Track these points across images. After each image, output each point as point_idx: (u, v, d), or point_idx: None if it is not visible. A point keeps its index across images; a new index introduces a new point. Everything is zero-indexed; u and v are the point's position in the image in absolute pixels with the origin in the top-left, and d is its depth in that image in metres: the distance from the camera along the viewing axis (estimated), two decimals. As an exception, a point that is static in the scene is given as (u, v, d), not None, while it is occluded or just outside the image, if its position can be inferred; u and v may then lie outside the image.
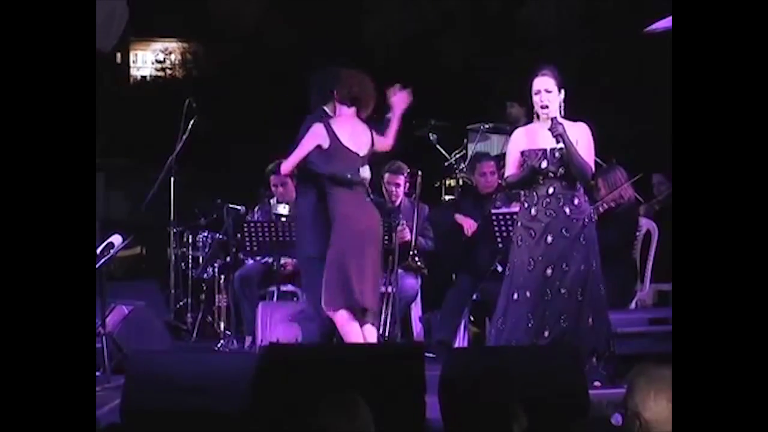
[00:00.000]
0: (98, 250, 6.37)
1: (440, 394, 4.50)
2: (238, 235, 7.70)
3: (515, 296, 5.74)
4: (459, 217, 7.64)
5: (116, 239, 6.44)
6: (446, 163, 9.09)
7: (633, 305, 7.16)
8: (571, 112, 5.85)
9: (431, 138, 9.01)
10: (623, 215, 7.15)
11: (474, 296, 7.38)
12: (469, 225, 7.54)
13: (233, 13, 12.36)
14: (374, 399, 3.21)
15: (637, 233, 7.35)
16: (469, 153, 9.05)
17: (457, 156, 9.12)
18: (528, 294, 5.71)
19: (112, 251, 6.41)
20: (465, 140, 9.35)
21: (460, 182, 8.92)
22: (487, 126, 9.19)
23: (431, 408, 4.51)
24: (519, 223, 5.88)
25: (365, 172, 6.30)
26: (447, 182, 9.14)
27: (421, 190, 7.60)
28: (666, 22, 6.90)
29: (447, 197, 9.01)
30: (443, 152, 9.08)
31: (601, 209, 7.00)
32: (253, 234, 7.34)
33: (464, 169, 8.77)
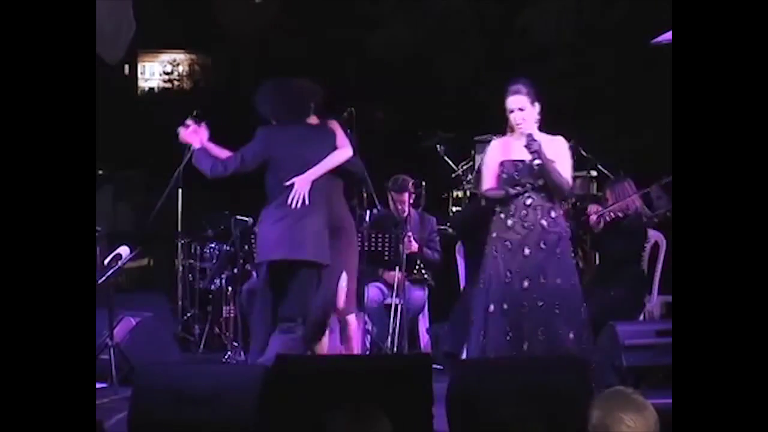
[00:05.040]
0: (106, 262, 6.38)
1: (448, 406, 4.49)
2: (246, 247, 7.70)
3: (491, 309, 5.68)
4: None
5: (124, 251, 6.45)
6: (453, 175, 9.09)
7: (641, 317, 7.14)
8: (573, 123, 5.84)
9: (438, 149, 9.01)
10: (630, 226, 7.14)
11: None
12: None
13: (239, 25, 12.38)
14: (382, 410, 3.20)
15: (646, 244, 7.34)
16: (477, 164, 9.05)
17: (465, 167, 9.11)
18: (505, 306, 5.66)
19: (119, 263, 6.42)
20: (472, 151, 9.35)
21: (467, 194, 8.91)
22: (494, 137, 9.17)
23: (439, 420, 4.51)
24: (494, 234, 5.80)
25: None
26: (454, 194, 9.13)
27: (426, 202, 7.60)
28: (670, 35, 6.90)
29: (454, 208, 9.00)
30: (450, 164, 9.08)
31: (607, 218, 7.00)
32: (261, 245, 7.31)
33: (471, 181, 8.77)
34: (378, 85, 11.71)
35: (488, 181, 5.88)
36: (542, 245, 5.70)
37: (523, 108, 5.74)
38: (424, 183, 7.58)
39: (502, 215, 5.79)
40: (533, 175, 5.72)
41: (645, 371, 5.80)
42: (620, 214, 7.06)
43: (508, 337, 5.63)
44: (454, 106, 11.25)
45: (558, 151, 5.78)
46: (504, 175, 5.79)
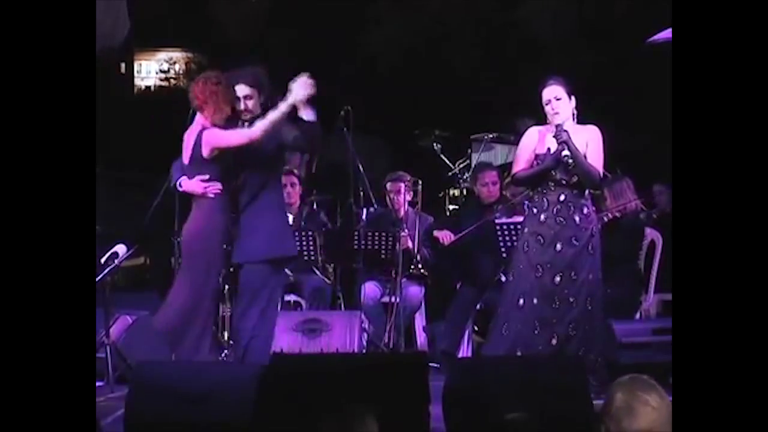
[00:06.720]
0: (102, 260, 6.37)
1: (444, 404, 4.49)
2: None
3: (520, 302, 5.72)
4: (436, 232, 7.59)
5: (120, 249, 6.45)
6: (450, 173, 9.09)
7: (638, 315, 7.15)
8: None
9: (435, 147, 9.02)
10: (628, 225, 7.15)
11: (478, 306, 7.37)
12: (443, 236, 7.48)
13: (235, 23, 12.38)
14: (378, 409, 3.20)
15: (642, 243, 7.34)
16: (473, 163, 9.06)
17: (461, 166, 9.12)
18: (535, 301, 5.70)
19: (116, 261, 6.42)
20: (469, 150, 9.36)
21: (464, 192, 8.92)
22: (490, 136, 9.21)
23: (435, 418, 4.50)
24: (526, 229, 5.86)
25: None
26: (451, 192, 9.13)
27: (423, 199, 7.59)
28: (667, 33, 6.91)
29: (451, 207, 9.01)
30: (447, 162, 9.08)
31: (605, 219, 7.01)
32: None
33: (467, 179, 8.78)
34: (374, 84, 11.70)
35: (520, 164, 5.93)
36: (574, 241, 5.74)
37: (559, 98, 5.77)
38: (420, 181, 7.57)
39: (535, 210, 5.81)
40: (568, 172, 5.75)
41: (641, 369, 5.80)
42: (618, 214, 7.07)
43: (535, 332, 5.67)
44: (450, 105, 11.24)
45: (589, 140, 5.81)
46: (539, 164, 5.84)
